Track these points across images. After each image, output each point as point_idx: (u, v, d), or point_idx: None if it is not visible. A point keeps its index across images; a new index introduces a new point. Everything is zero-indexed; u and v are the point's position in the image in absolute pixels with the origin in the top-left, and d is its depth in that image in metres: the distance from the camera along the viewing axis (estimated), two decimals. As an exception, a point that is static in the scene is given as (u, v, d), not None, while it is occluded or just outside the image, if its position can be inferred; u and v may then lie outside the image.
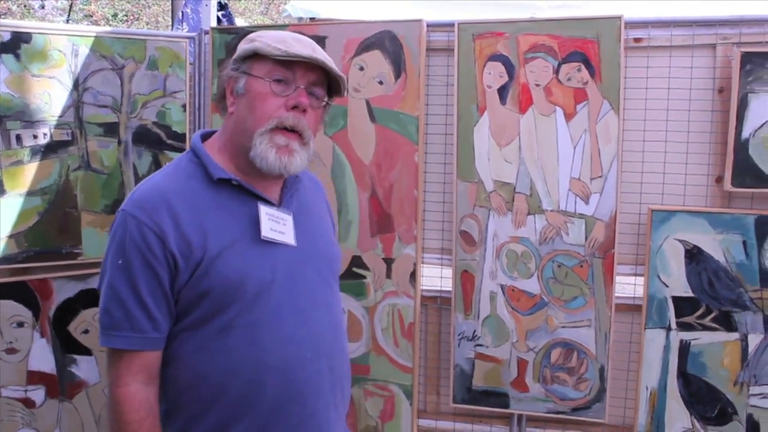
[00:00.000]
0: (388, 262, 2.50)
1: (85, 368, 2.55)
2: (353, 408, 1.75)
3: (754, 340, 2.20)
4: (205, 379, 1.35)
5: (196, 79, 2.69)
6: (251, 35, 1.45)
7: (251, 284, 1.36)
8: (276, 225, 1.43)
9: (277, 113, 1.37)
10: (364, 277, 2.53)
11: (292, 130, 1.38)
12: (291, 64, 1.38)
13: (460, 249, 2.44)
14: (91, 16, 11.67)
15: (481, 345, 2.45)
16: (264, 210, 1.41)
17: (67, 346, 2.52)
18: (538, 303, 2.38)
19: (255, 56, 1.40)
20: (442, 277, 2.56)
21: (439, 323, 2.58)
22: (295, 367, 1.39)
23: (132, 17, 12.03)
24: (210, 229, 1.35)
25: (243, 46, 1.43)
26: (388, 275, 2.51)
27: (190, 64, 2.66)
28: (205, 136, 1.51)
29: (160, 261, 1.31)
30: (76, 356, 2.54)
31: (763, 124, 2.14)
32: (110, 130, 2.53)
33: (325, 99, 1.47)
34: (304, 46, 1.39)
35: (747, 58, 2.11)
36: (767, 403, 2.22)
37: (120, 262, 1.32)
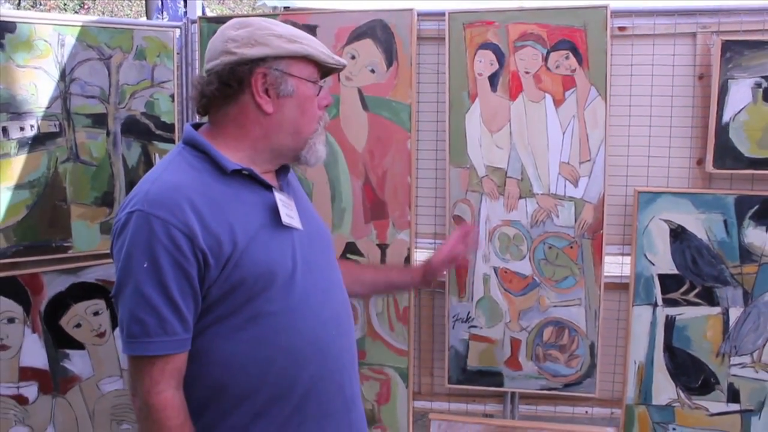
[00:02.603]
0: (383, 247, 2.54)
1: (78, 363, 2.52)
2: None
3: (735, 313, 2.33)
4: (240, 369, 1.34)
5: (183, 68, 2.67)
6: (285, 33, 1.40)
7: (280, 271, 1.37)
8: (288, 211, 1.44)
9: (318, 114, 1.45)
10: (358, 263, 2.56)
11: None
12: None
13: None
14: (42, 4, 11.27)
15: (475, 326, 2.52)
16: (279, 197, 1.43)
17: (59, 341, 2.49)
18: (530, 284, 2.46)
19: (296, 57, 1.40)
20: (435, 262, 2.61)
21: (432, 306, 2.64)
22: (326, 347, 1.42)
23: (86, 7, 11.66)
24: (235, 222, 1.34)
25: (286, 46, 1.39)
26: (383, 261, 2.55)
27: (177, 53, 2.63)
28: (195, 128, 1.48)
29: (189, 260, 1.28)
30: (68, 351, 2.51)
31: (742, 108, 2.25)
32: (98, 121, 2.49)
33: None
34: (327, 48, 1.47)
35: (727, 46, 2.21)
36: (746, 372, 2.35)
37: (146, 265, 1.27)
